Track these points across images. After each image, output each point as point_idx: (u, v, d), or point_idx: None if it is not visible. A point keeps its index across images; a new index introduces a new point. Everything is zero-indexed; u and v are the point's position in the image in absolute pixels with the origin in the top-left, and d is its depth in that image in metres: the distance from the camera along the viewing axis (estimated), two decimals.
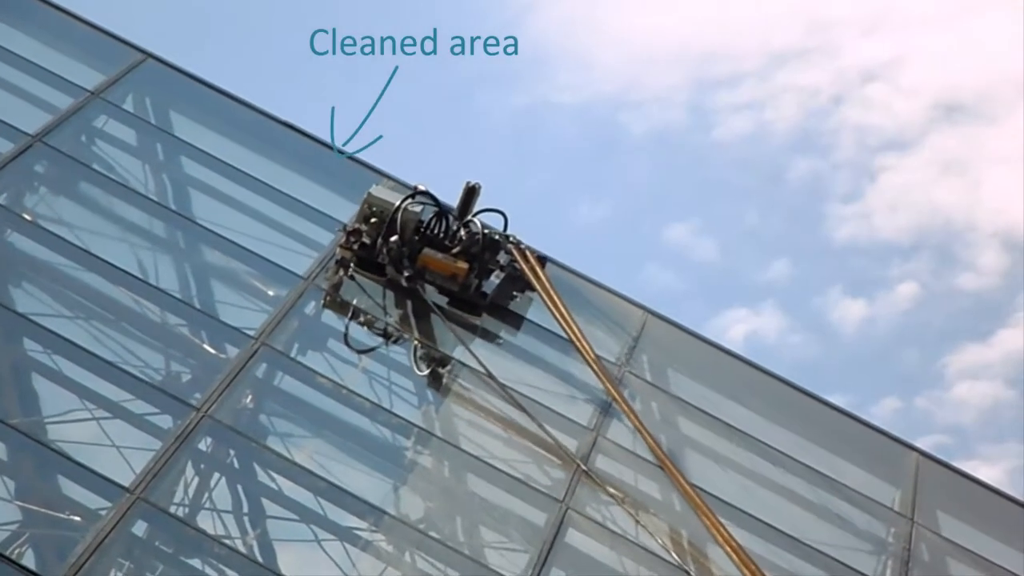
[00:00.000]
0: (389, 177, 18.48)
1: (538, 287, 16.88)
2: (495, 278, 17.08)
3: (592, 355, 16.49)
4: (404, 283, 16.43)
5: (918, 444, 20.39)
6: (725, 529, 15.04)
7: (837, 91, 40.84)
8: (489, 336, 17.24)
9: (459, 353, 16.39)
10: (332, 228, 17.05)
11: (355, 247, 16.34)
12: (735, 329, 40.44)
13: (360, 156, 18.86)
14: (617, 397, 16.16)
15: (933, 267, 39.30)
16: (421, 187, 16.95)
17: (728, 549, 14.72)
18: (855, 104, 40.80)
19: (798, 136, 40.96)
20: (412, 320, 16.66)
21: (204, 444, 14.07)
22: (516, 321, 17.45)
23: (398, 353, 16.80)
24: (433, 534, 14.34)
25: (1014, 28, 37.08)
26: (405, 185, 18.14)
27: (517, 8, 42.54)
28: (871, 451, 19.13)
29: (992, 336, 41.27)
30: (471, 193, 17.01)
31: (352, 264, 16.54)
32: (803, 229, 41.80)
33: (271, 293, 16.29)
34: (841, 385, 38.54)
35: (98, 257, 15.44)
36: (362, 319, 16.62)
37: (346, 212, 17.19)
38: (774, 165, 42.02)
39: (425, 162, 38.69)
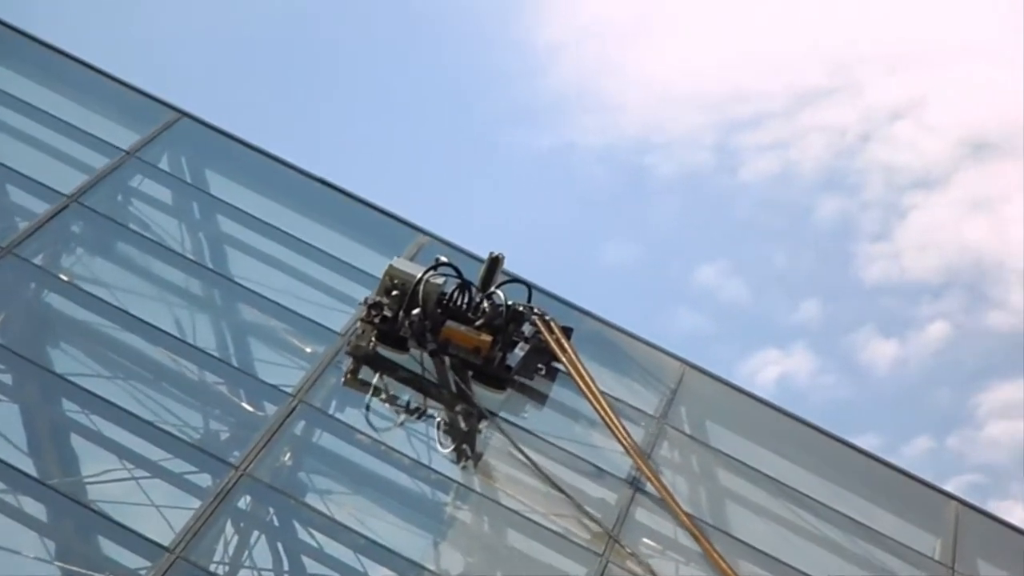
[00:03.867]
0: (423, 232, 18.83)
1: (564, 360, 16.76)
2: (519, 351, 16.90)
3: (620, 430, 16.41)
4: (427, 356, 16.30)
5: (952, 484, 20.52)
6: None
7: (863, 129, 41.18)
8: (526, 391, 17.21)
9: (495, 409, 16.48)
10: (367, 284, 17.07)
11: (376, 320, 16.19)
12: (767, 371, 40.63)
13: (392, 210, 19.16)
14: (647, 472, 16.11)
15: (964, 306, 39.47)
16: (443, 259, 16.75)
17: None
18: (882, 143, 41.11)
19: (825, 175, 41.30)
20: (449, 376, 16.67)
21: (243, 502, 14.19)
22: (553, 375, 17.39)
23: (436, 409, 16.77)
24: None
25: None
26: (441, 241, 18.56)
27: (540, 51, 43.01)
28: (908, 499, 19.23)
29: None
30: (494, 263, 16.82)
31: (373, 339, 16.43)
32: (832, 269, 42.05)
33: (308, 350, 16.40)
34: (873, 425, 38.68)
35: (135, 317, 15.64)
36: (399, 375, 16.63)
37: (380, 266, 17.10)
38: (802, 205, 42.27)
39: (451, 205, 39.03)
